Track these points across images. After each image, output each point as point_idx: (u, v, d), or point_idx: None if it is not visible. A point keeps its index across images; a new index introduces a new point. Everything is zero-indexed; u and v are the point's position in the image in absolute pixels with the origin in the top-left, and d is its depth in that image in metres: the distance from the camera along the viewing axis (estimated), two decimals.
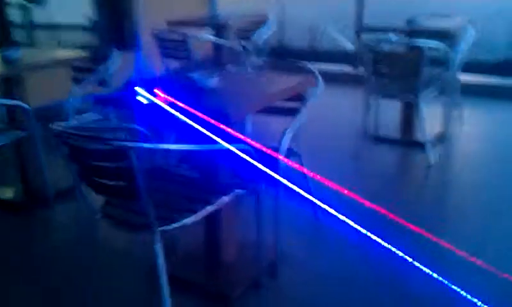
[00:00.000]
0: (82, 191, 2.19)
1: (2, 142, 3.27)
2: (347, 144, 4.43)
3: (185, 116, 2.18)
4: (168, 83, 2.67)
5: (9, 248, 3.07)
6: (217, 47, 5.35)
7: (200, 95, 2.41)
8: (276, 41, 7.77)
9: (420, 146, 4.26)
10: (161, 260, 2.09)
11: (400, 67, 4.10)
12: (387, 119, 4.77)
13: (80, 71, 3.94)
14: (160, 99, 2.28)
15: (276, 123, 3.05)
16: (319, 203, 3.07)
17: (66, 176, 2.26)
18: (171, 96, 2.27)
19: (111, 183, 2.06)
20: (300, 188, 2.73)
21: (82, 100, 3.45)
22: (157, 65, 5.09)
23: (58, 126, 2.04)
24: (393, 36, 4.66)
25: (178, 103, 2.20)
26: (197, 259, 2.74)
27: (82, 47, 4.06)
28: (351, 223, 2.68)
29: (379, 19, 6.77)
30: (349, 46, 7.33)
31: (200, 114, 2.15)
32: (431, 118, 4.18)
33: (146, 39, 5.71)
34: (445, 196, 3.62)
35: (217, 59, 5.34)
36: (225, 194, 2.31)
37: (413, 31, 4.31)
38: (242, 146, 2.26)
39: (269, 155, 2.57)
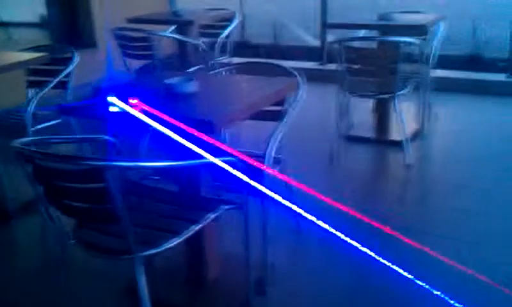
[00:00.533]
0: (50, 214, 1.94)
1: None
2: (321, 145, 4.27)
3: (162, 125, 1.96)
4: (141, 88, 2.43)
5: None
6: (181, 45, 5.11)
7: (178, 102, 2.19)
8: (238, 37, 7.56)
9: (396, 145, 4.15)
10: (144, 289, 1.87)
11: (375, 64, 3.97)
12: (358, 118, 4.65)
13: (36, 73, 3.64)
14: (135, 108, 2.04)
15: (253, 128, 2.86)
16: (302, 213, 2.91)
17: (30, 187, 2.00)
18: (146, 103, 2.05)
19: (84, 205, 1.82)
20: (284, 198, 2.56)
21: (45, 108, 3.15)
22: (118, 65, 4.80)
23: (19, 143, 1.78)
24: (364, 32, 4.55)
25: (155, 111, 1.98)
26: (177, 278, 2.52)
27: (37, 47, 3.75)
28: (335, 232, 2.55)
29: (341, 16, 6.67)
30: (312, 42, 7.20)
31: (178, 123, 1.94)
32: (405, 116, 4.08)
33: (104, 38, 5.42)
34: (424, 195, 3.52)
35: (181, 57, 5.10)
36: (211, 211, 2.10)
37: (386, 26, 4.19)
38: (226, 157, 2.06)
39: (255, 166, 2.38)
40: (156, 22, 5.25)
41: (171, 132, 1.88)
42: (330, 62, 6.19)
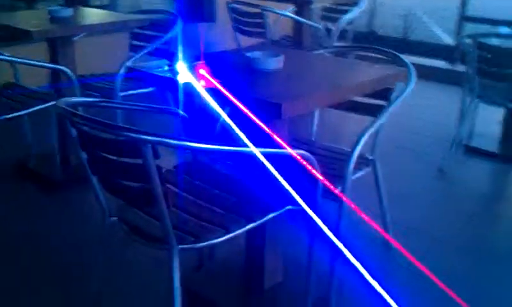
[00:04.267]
0: (94, 184, 1.75)
1: (39, 107, 2.91)
2: (433, 153, 3.76)
3: (226, 104, 1.68)
4: (220, 61, 2.18)
5: (32, 233, 2.71)
6: (297, 26, 4.80)
7: (253, 79, 1.90)
8: (365, 27, 7.09)
9: None
10: (177, 287, 1.63)
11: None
12: (481, 128, 4.04)
13: (139, 38, 3.55)
14: (202, 79, 1.79)
15: (351, 120, 2.50)
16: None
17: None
18: (218, 77, 1.78)
19: (122, 181, 1.61)
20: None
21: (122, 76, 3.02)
22: (229, 41, 4.62)
23: (64, 103, 1.60)
24: (505, 29, 3.94)
25: (221, 88, 1.71)
26: (232, 281, 2.25)
27: (143, 12, 3.67)
28: None
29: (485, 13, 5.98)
30: (446, 39, 6.55)
31: (241, 103, 1.65)
32: None
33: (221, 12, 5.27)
34: None
35: (297, 39, 4.80)
36: (272, 210, 1.80)
37: None
38: (301, 151, 1.74)
39: (336, 163, 2.04)
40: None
41: (226, 112, 1.61)
42: (463, 63, 5.54)
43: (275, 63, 1.97)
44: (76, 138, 1.66)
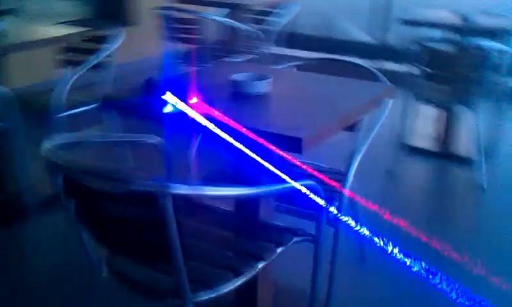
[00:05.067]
0: (84, 238, 1.53)
1: None
2: (377, 153, 3.79)
3: (230, 134, 1.53)
4: (202, 85, 2.01)
5: None
6: (230, 31, 4.67)
7: (249, 106, 1.76)
8: (289, 27, 7.09)
9: (464, 161, 3.67)
10: None
11: (453, 70, 3.47)
12: (420, 127, 4.15)
13: (73, 51, 3.24)
14: (195, 109, 1.62)
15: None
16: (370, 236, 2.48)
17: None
18: (210, 104, 1.63)
19: (125, 235, 1.41)
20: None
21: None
22: (159, 47, 4.38)
23: (50, 147, 1.37)
24: (437, 32, 4.06)
25: (220, 116, 1.56)
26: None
27: (75, 22, 3.36)
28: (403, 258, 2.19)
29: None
30: (362, 37, 6.72)
31: (251, 135, 1.51)
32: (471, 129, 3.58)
33: (150, 16, 4.99)
34: (496, 223, 3.01)
35: (230, 44, 4.67)
36: (279, 244, 1.67)
37: (469, 29, 3.69)
38: (305, 180, 1.63)
39: (332, 188, 1.95)
40: (205, 3, 4.82)
41: (239, 144, 1.46)
42: (388, 60, 5.68)
43: (264, 86, 1.84)
44: (60, 185, 1.44)
